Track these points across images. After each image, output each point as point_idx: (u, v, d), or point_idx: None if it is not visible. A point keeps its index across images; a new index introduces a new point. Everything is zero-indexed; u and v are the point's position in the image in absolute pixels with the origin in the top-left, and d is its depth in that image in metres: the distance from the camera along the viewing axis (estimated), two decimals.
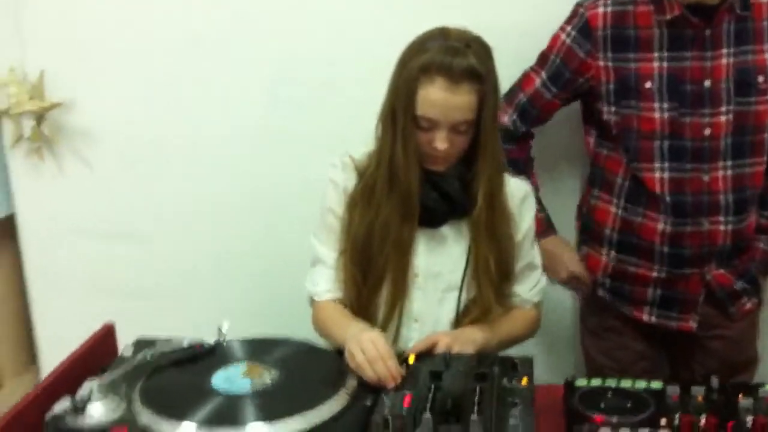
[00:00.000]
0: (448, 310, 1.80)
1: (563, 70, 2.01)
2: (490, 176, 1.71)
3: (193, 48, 2.36)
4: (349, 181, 1.79)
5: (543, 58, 2.06)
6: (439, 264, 1.79)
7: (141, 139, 2.45)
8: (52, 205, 2.51)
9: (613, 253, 2.07)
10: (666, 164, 1.95)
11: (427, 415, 1.34)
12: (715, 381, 1.50)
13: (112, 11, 2.36)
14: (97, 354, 1.64)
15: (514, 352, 1.74)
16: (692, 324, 2.06)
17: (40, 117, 2.39)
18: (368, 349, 1.52)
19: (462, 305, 1.79)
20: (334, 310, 1.78)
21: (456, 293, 1.78)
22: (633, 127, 1.95)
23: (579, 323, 2.31)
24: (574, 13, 2.00)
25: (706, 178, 1.95)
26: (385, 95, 1.70)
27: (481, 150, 1.70)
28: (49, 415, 1.36)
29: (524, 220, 1.82)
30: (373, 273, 1.75)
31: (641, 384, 1.54)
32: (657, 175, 1.95)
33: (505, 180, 1.78)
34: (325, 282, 1.81)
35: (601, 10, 1.95)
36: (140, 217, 2.51)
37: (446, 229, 1.78)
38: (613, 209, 2.04)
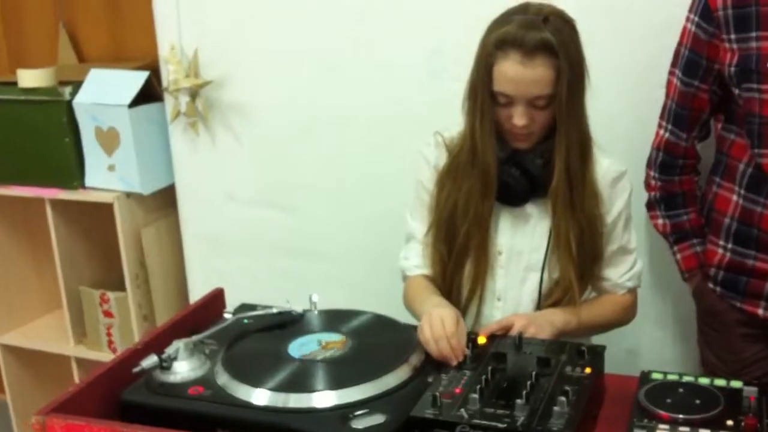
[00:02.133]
0: (530, 290, 1.80)
1: (697, 59, 1.92)
2: (568, 151, 1.69)
3: (342, 26, 2.44)
4: (440, 158, 1.83)
5: (675, 55, 1.98)
6: (522, 242, 1.79)
7: (288, 115, 2.57)
8: (207, 175, 2.71)
9: (730, 244, 1.97)
10: None
11: (475, 395, 1.37)
12: None
13: None
14: (205, 315, 1.78)
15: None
16: None
17: (194, 93, 2.58)
18: (436, 326, 1.56)
19: (545, 286, 1.79)
20: (419, 285, 1.83)
21: (538, 273, 1.78)
22: (755, 111, 1.84)
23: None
24: None
25: None
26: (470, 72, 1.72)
27: (558, 125, 1.68)
28: (136, 369, 1.50)
29: (616, 202, 1.79)
30: (456, 249, 1.78)
31: (720, 382, 1.49)
32: None
33: (594, 158, 1.75)
34: (414, 257, 1.87)
35: None
36: (286, 187, 2.64)
37: (530, 207, 1.79)
38: (734, 198, 1.95)
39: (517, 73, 1.62)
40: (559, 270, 1.77)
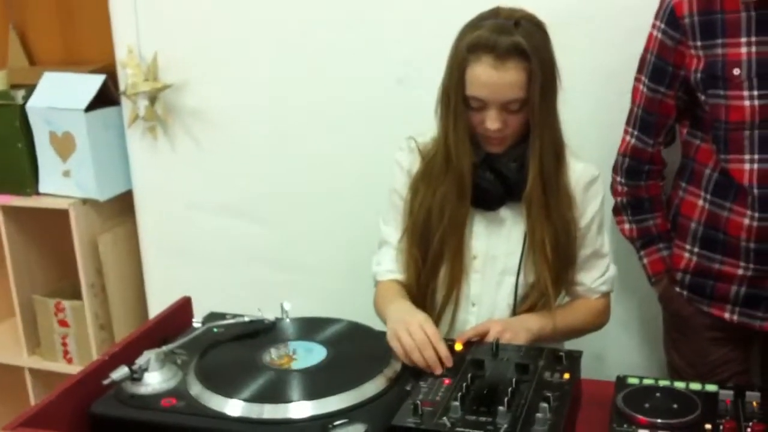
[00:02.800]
0: (505, 294, 1.80)
1: (663, 66, 1.93)
2: (541, 155, 1.70)
3: (304, 30, 2.41)
4: (414, 163, 1.82)
5: (641, 62, 1.99)
6: (497, 246, 1.79)
7: (250, 121, 2.54)
8: (166, 181, 2.66)
9: (696, 248, 1.99)
10: (756, 156, 1.84)
11: (456, 402, 1.36)
12: None
13: None
14: (172, 324, 1.74)
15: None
16: None
17: (153, 97, 2.53)
18: (416, 333, 1.54)
19: (520, 290, 1.79)
20: (389, 289, 1.82)
21: (513, 277, 1.78)
22: (721, 117, 1.86)
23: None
24: (661, 5, 1.92)
25: None
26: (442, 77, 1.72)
27: (531, 128, 1.69)
28: (106, 380, 1.46)
29: (589, 206, 1.80)
30: (431, 254, 1.77)
31: (696, 386, 1.49)
32: (746, 166, 1.86)
33: (567, 162, 1.76)
34: (387, 262, 1.86)
35: None
36: (248, 194, 2.61)
37: (504, 211, 1.79)
38: (700, 202, 1.97)
39: (489, 77, 1.62)
40: (535, 274, 1.77)
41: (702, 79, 1.86)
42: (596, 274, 1.84)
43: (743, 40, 1.81)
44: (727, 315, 1.98)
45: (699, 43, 1.85)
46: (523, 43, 1.60)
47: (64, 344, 2.82)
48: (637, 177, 2.06)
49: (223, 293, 2.56)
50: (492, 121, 1.66)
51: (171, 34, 2.52)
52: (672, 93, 1.95)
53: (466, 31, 1.67)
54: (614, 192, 2.10)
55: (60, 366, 2.81)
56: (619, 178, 2.08)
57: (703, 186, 1.95)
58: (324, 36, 2.39)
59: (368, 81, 2.38)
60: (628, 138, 2.04)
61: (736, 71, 1.81)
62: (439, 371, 1.51)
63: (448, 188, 1.74)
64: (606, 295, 1.88)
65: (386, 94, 2.36)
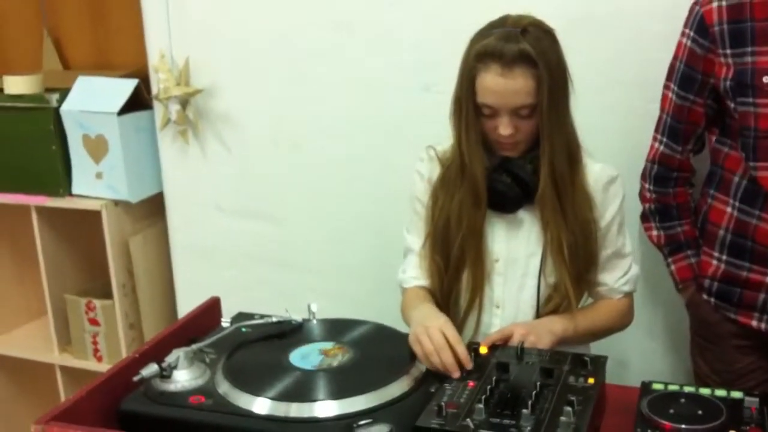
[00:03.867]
0: (528, 296, 1.81)
1: (692, 74, 1.93)
2: (552, 157, 1.71)
3: (332, 35, 2.44)
4: (433, 171, 1.84)
5: (670, 69, 1.99)
6: (518, 249, 1.81)
7: (276, 125, 2.57)
8: (196, 184, 2.69)
9: (725, 256, 1.99)
10: None
11: (480, 405, 1.37)
12: None
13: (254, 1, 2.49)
14: (201, 324, 1.77)
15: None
16: None
17: (185, 102, 2.57)
18: (435, 336, 1.56)
19: (542, 291, 1.80)
20: (414, 295, 1.83)
21: (535, 279, 1.79)
22: (750, 125, 1.86)
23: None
24: (690, 12, 1.92)
25: None
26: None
27: (541, 132, 1.70)
28: (136, 377, 1.49)
29: (609, 206, 1.81)
30: (452, 260, 1.79)
31: (721, 392, 1.49)
32: None
33: (584, 163, 1.77)
34: (412, 269, 1.88)
35: (715, 4, 1.86)
36: (276, 199, 2.64)
37: (523, 214, 1.80)
38: (728, 210, 1.96)
39: (498, 85, 1.65)
40: (555, 275, 1.78)
41: (731, 87, 1.86)
42: (618, 274, 1.85)
43: None
44: (754, 323, 1.97)
45: (728, 51, 1.85)
46: (530, 50, 1.62)
47: (95, 342, 2.86)
48: (666, 184, 2.06)
49: (251, 294, 2.59)
50: (504, 127, 1.68)
51: (202, 39, 2.55)
52: (701, 101, 1.95)
53: (476, 40, 1.69)
54: (642, 198, 2.10)
55: (90, 364, 2.85)
56: (647, 185, 2.08)
57: (732, 193, 1.95)
58: (351, 42, 2.42)
59: (395, 87, 2.40)
60: (656, 145, 2.04)
61: (766, 79, 1.81)
62: (457, 374, 1.52)
63: (464, 194, 1.76)
64: (629, 295, 1.89)
65: (412, 100, 2.38)
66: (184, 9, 2.54)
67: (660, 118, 2.03)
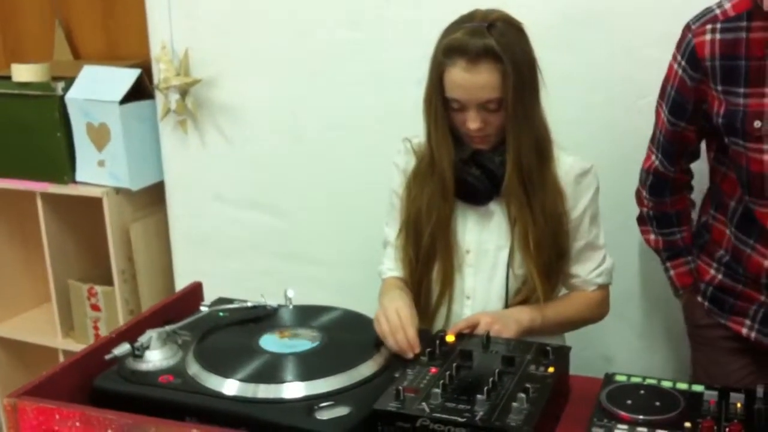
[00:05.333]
0: (498, 288, 1.83)
1: (683, 103, 1.88)
2: (518, 151, 1.74)
3: (334, 30, 2.47)
4: (409, 164, 1.88)
5: (662, 90, 1.93)
6: (488, 240, 1.83)
7: (278, 118, 2.61)
8: (195, 173, 2.74)
9: (722, 270, 1.97)
10: None
11: (438, 390, 1.40)
12: (760, 390, 1.44)
13: None
14: (182, 308, 1.81)
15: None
16: None
17: (184, 92, 2.61)
18: (392, 318, 1.60)
19: (511, 283, 1.82)
20: (388, 285, 1.87)
21: (504, 270, 1.82)
22: (742, 164, 1.81)
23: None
24: (683, 38, 1.84)
25: None
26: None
27: (507, 126, 1.73)
28: (108, 356, 1.53)
29: (581, 199, 1.82)
30: (423, 251, 1.82)
31: (682, 386, 1.51)
32: None
33: (556, 157, 1.80)
34: (388, 260, 1.92)
35: (708, 37, 1.76)
36: (275, 189, 2.67)
37: (494, 206, 1.83)
38: (727, 232, 1.93)
39: (464, 80, 1.68)
40: (523, 268, 1.80)
41: (723, 125, 1.80)
42: (591, 266, 1.87)
43: (767, 90, 1.74)
44: (744, 331, 1.96)
45: (720, 88, 1.79)
46: (495, 46, 1.65)
47: (96, 328, 2.92)
48: (662, 194, 2.03)
49: (247, 282, 2.63)
50: (472, 121, 1.72)
51: (202, 31, 2.60)
52: (693, 127, 1.91)
53: (444, 35, 1.73)
54: (639, 202, 2.09)
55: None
56: (644, 192, 2.05)
57: (728, 217, 1.92)
58: (350, 36, 2.45)
59: (390, 81, 2.42)
60: (652, 158, 2.01)
61: (756, 123, 1.75)
62: (410, 355, 1.56)
63: (434, 187, 1.80)
64: (603, 287, 1.90)
65: (407, 94, 2.39)
66: (185, 2, 2.59)
67: (654, 133, 2.00)
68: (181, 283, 2.83)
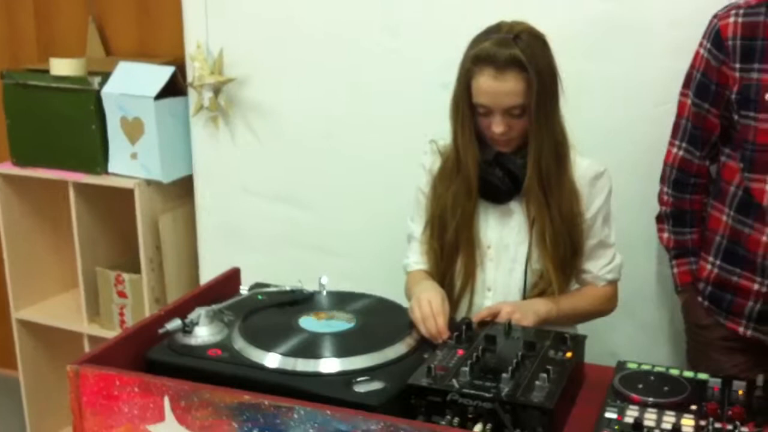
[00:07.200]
0: (516, 281, 1.97)
1: (707, 83, 2.05)
2: (539, 154, 1.88)
3: (365, 33, 2.60)
4: (434, 164, 2.02)
5: (687, 78, 2.11)
6: (508, 237, 1.98)
7: (307, 117, 2.73)
8: (224, 167, 2.87)
9: (719, 261, 2.11)
10: None
11: (466, 368, 1.53)
12: (760, 379, 1.57)
13: None
14: (222, 290, 1.93)
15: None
16: None
17: (217, 90, 2.74)
18: (424, 307, 1.73)
19: (529, 277, 1.96)
20: (416, 277, 2.01)
21: (523, 265, 1.96)
22: (749, 138, 1.98)
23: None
24: (709, 25, 2.04)
25: None
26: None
27: (529, 131, 1.87)
28: (161, 330, 1.66)
29: (595, 199, 1.96)
30: (447, 245, 1.97)
31: (688, 374, 1.64)
32: (767, 188, 1.98)
33: (572, 160, 1.93)
34: (413, 254, 2.07)
35: (732, 20, 1.97)
36: (301, 185, 2.80)
37: (514, 204, 1.97)
38: (724, 218, 2.08)
39: (491, 87, 1.82)
40: (540, 263, 1.95)
41: (737, 100, 1.99)
42: (602, 263, 2.01)
43: None
44: (741, 329, 2.10)
45: (738, 65, 1.98)
46: (521, 56, 1.79)
47: (121, 314, 3.04)
48: (684, 189, 2.18)
49: (270, 273, 2.71)
50: (497, 126, 1.85)
51: (237, 31, 2.73)
52: (716, 111, 2.06)
53: (472, 45, 1.87)
54: (660, 201, 2.23)
55: (116, 334, 3.01)
56: (666, 189, 2.20)
57: (728, 203, 2.07)
58: (379, 40, 2.58)
59: (416, 83, 2.55)
60: (674, 150, 2.16)
61: None
62: (439, 341, 1.69)
63: (459, 186, 1.94)
64: (613, 282, 2.05)
65: (431, 96, 2.51)
66: (221, 3, 2.72)
67: (677, 124, 2.15)
68: (206, 273, 2.95)
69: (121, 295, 3.03)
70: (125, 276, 3.00)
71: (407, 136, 2.57)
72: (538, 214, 1.92)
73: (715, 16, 2.03)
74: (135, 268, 2.98)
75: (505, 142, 1.90)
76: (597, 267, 2.01)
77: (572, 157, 1.94)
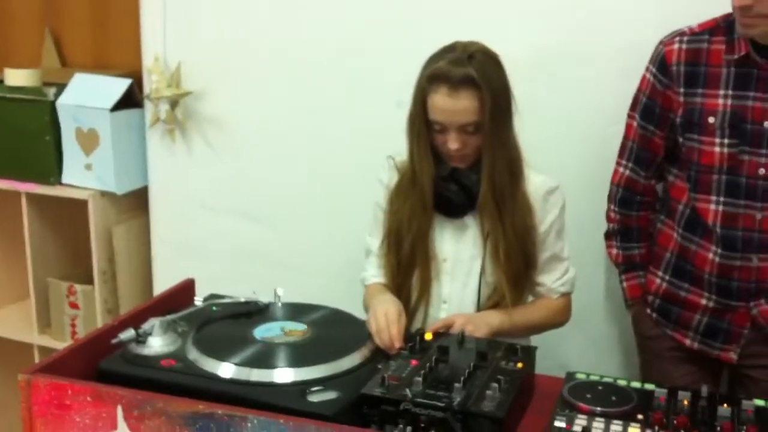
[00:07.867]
0: (471, 293, 2.01)
1: (653, 106, 2.11)
2: (492, 170, 1.92)
3: (321, 48, 2.62)
4: (392, 179, 2.06)
5: (634, 101, 2.17)
6: (463, 251, 2.01)
7: (259, 130, 2.75)
8: (180, 180, 2.87)
9: (667, 276, 2.17)
10: (721, 198, 2.02)
11: (419, 378, 1.55)
12: (704, 390, 1.61)
13: (244, 12, 2.68)
14: (176, 302, 1.94)
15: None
16: (733, 356, 2.12)
17: (174, 102, 2.75)
18: (380, 318, 1.76)
19: (483, 289, 2.00)
20: (374, 290, 2.04)
21: (477, 278, 1.99)
22: (694, 159, 2.04)
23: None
24: (655, 50, 2.10)
25: (758, 216, 2.00)
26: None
27: (483, 148, 1.91)
28: (114, 340, 1.66)
29: (548, 214, 2.01)
30: (403, 259, 2.00)
31: (636, 384, 1.68)
32: (712, 207, 2.04)
33: (526, 175, 1.98)
34: (371, 268, 2.10)
35: (676, 46, 2.03)
36: (257, 199, 2.81)
37: (469, 219, 2.01)
38: (674, 235, 2.14)
39: (446, 104, 1.86)
40: (493, 277, 1.98)
41: (681, 123, 2.05)
42: (555, 276, 2.05)
43: (721, 92, 1.99)
44: (687, 341, 2.16)
45: (682, 90, 2.04)
46: (474, 75, 1.84)
47: (73, 325, 3.02)
48: (630, 207, 2.24)
49: (225, 287, 2.72)
50: (452, 142, 1.89)
51: (194, 45, 2.74)
52: (661, 133, 2.12)
53: (428, 64, 1.91)
54: (607, 218, 2.28)
55: (67, 345, 3.00)
56: (613, 207, 2.26)
57: (677, 220, 2.14)
58: (335, 57, 2.61)
59: (371, 101, 2.59)
60: (621, 170, 2.22)
61: (711, 119, 2.00)
62: (393, 351, 1.72)
63: (415, 200, 1.97)
64: (566, 295, 2.09)
65: (387, 113, 2.54)
66: (179, 17, 2.73)
67: (624, 145, 2.21)
68: (159, 286, 2.94)
69: (73, 306, 3.01)
70: (78, 287, 2.98)
71: (364, 153, 2.59)
72: (492, 228, 1.95)
73: (661, 42, 2.09)
74: (88, 280, 2.96)
75: (460, 158, 1.93)
76: (551, 280, 2.05)
77: (526, 172, 1.98)
